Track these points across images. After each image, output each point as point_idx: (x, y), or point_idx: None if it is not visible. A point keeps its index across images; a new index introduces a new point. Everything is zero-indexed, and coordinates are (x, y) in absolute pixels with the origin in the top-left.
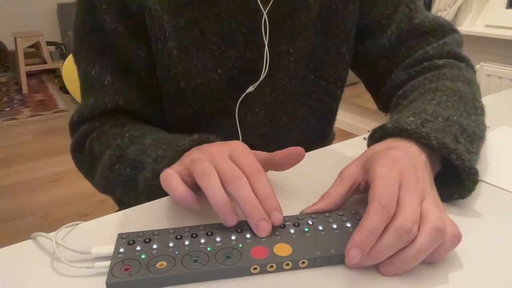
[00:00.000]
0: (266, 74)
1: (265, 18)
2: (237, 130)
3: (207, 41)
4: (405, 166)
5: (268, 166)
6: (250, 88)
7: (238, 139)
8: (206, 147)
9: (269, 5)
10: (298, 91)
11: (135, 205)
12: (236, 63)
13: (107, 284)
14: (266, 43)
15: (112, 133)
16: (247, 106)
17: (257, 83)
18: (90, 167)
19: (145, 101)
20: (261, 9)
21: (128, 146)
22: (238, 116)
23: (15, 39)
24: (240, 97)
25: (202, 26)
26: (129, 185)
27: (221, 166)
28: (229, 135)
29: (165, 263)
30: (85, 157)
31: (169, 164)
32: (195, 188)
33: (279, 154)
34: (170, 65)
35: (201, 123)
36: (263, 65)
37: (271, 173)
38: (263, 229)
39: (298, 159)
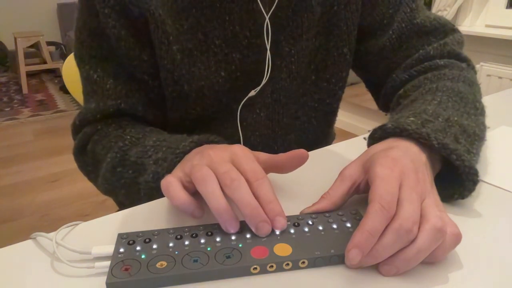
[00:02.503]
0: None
1: (267, 22)
2: (239, 131)
3: (210, 44)
4: (405, 166)
5: (270, 168)
6: (252, 93)
7: (240, 140)
8: (206, 151)
9: (272, 9)
10: (299, 92)
11: (136, 205)
12: (239, 66)
13: (107, 284)
14: (268, 47)
15: (114, 136)
16: (248, 107)
17: (259, 88)
18: (93, 170)
19: (147, 104)
20: (264, 13)
21: (130, 149)
22: (239, 117)
23: (15, 39)
24: (242, 98)
25: (206, 29)
26: (131, 187)
27: (219, 169)
28: (231, 136)
29: (165, 263)
30: (87, 160)
31: (169, 167)
32: (197, 193)
33: (281, 157)
34: (173, 68)
35: (203, 124)
36: (265, 67)
37: (271, 174)
38: (263, 230)
39: (301, 162)
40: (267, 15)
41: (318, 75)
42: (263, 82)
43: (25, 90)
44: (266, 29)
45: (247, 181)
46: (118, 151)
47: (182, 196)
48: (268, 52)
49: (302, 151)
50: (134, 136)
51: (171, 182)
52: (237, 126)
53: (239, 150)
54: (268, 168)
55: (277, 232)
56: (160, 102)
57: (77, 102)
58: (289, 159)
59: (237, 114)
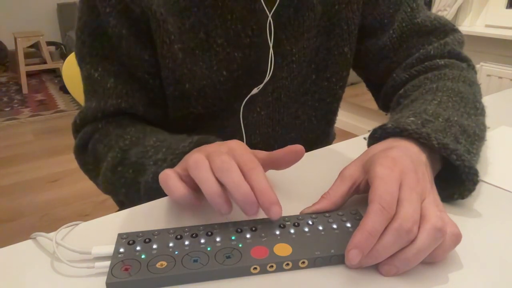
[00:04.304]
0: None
1: (270, 21)
2: (240, 130)
3: (212, 43)
4: (405, 166)
5: (268, 165)
6: (255, 90)
7: (242, 139)
8: (203, 147)
9: (274, 7)
10: (300, 91)
11: (135, 205)
12: (240, 64)
13: (107, 284)
14: (271, 45)
15: (115, 135)
16: (249, 106)
17: (261, 85)
18: (94, 168)
19: (148, 103)
20: (266, 11)
21: (130, 148)
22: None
23: (15, 39)
24: (243, 97)
25: (207, 28)
26: (131, 187)
27: (212, 157)
28: (232, 135)
29: (165, 263)
30: (88, 159)
31: (169, 167)
32: (195, 189)
33: (278, 152)
34: (175, 68)
35: (204, 123)
36: (267, 65)
37: (271, 174)
38: (252, 211)
39: (297, 157)
40: (269, 14)
41: (319, 74)
42: (266, 80)
43: (25, 90)
44: (269, 28)
45: (241, 170)
46: (118, 151)
47: (180, 187)
48: (271, 50)
49: (298, 146)
50: (135, 136)
51: (169, 175)
52: (239, 125)
53: (236, 145)
54: (266, 165)
55: (277, 232)
56: (161, 101)
57: (77, 102)
58: (286, 154)
59: (238, 113)
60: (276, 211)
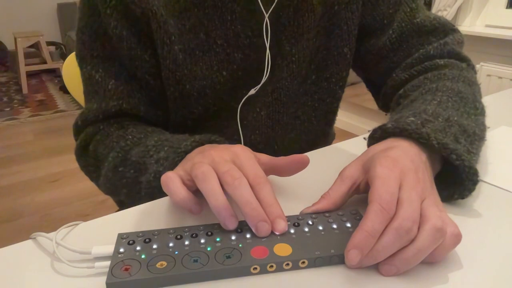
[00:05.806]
0: (268, 75)
1: (266, 21)
2: (239, 130)
3: (212, 44)
4: (405, 166)
5: (270, 171)
6: (252, 91)
7: (240, 139)
8: (208, 151)
9: (272, 8)
10: (300, 91)
11: (136, 205)
12: (240, 65)
13: (107, 284)
14: (267, 46)
15: (116, 136)
16: (249, 106)
17: (258, 86)
18: (95, 170)
19: (149, 104)
20: (263, 12)
21: (132, 148)
22: (240, 116)
23: (15, 39)
24: (243, 97)
25: (208, 28)
26: (133, 187)
27: (220, 168)
28: (232, 135)
29: (165, 263)
30: (89, 160)
31: (170, 166)
32: (196, 192)
33: (282, 160)
34: (175, 68)
35: (204, 123)
36: (266, 66)
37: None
38: (263, 230)
39: (301, 167)
40: (266, 14)
41: (319, 74)
42: (263, 81)
43: (25, 90)
44: (266, 29)
45: (249, 184)
46: (120, 151)
47: (181, 191)
48: (268, 51)
49: (303, 156)
50: (136, 136)
51: (171, 178)
52: (238, 125)
53: (241, 151)
54: (269, 170)
55: (277, 233)
56: (161, 102)
57: (77, 102)
58: (290, 163)
59: (238, 113)
60: (281, 225)
